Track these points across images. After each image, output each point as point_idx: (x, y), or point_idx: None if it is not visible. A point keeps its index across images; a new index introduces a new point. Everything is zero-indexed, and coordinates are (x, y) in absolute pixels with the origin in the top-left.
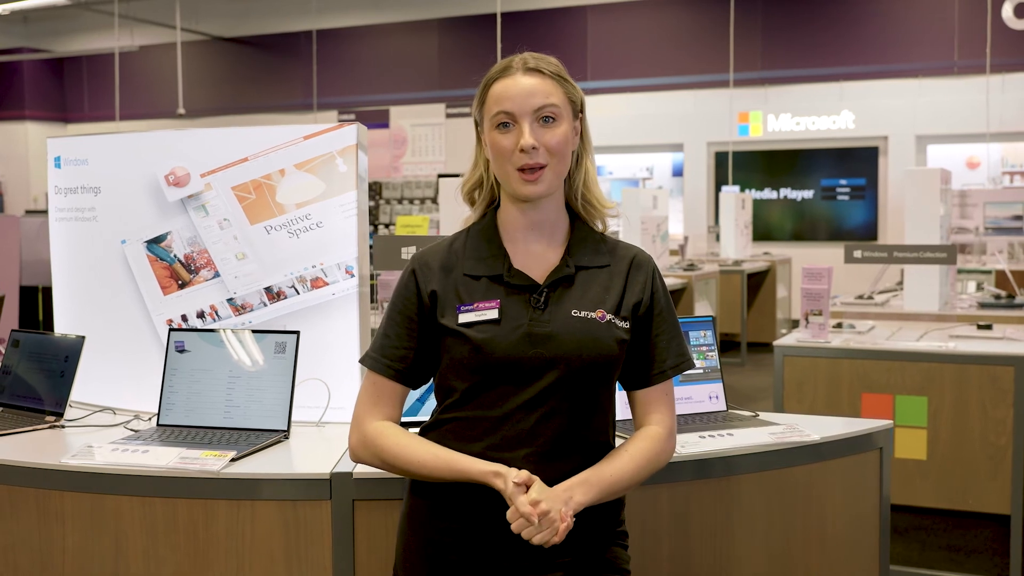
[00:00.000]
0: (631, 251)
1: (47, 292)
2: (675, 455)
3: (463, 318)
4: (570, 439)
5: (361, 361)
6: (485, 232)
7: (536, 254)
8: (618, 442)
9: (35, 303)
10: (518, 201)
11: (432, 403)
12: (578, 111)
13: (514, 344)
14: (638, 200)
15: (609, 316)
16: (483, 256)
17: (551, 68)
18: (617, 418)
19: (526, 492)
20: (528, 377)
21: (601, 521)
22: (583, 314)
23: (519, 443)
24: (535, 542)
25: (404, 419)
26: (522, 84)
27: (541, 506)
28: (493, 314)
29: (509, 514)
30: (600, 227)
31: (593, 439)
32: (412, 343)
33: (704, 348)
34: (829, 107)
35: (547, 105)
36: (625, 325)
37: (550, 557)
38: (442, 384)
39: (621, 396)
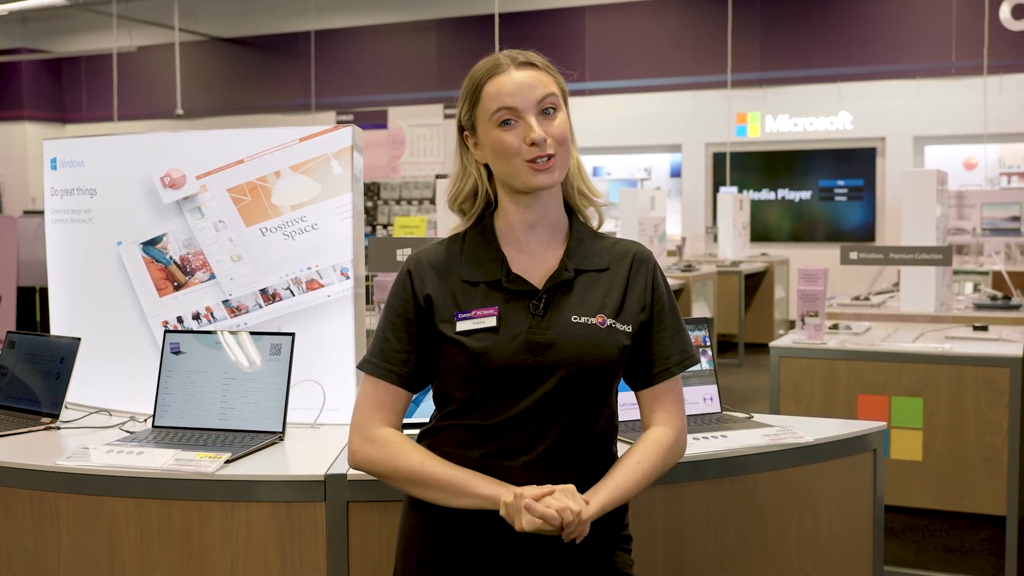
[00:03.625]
0: (630, 249)
1: (44, 293)
2: None
3: (461, 326)
4: (569, 447)
5: (360, 367)
6: (483, 236)
7: (535, 256)
8: (620, 447)
9: (32, 304)
10: (520, 197)
11: (429, 404)
12: (566, 99)
13: (513, 353)
14: (636, 200)
15: (610, 321)
16: (481, 261)
17: (540, 60)
18: (621, 419)
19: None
20: (527, 385)
21: (606, 526)
22: (583, 320)
23: (518, 451)
24: (567, 537)
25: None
26: (520, 78)
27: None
28: (491, 322)
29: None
30: (596, 222)
31: (594, 445)
32: (412, 346)
33: (699, 350)
34: (827, 108)
35: (548, 95)
36: (627, 329)
37: (554, 564)
38: (441, 391)
39: (623, 397)
